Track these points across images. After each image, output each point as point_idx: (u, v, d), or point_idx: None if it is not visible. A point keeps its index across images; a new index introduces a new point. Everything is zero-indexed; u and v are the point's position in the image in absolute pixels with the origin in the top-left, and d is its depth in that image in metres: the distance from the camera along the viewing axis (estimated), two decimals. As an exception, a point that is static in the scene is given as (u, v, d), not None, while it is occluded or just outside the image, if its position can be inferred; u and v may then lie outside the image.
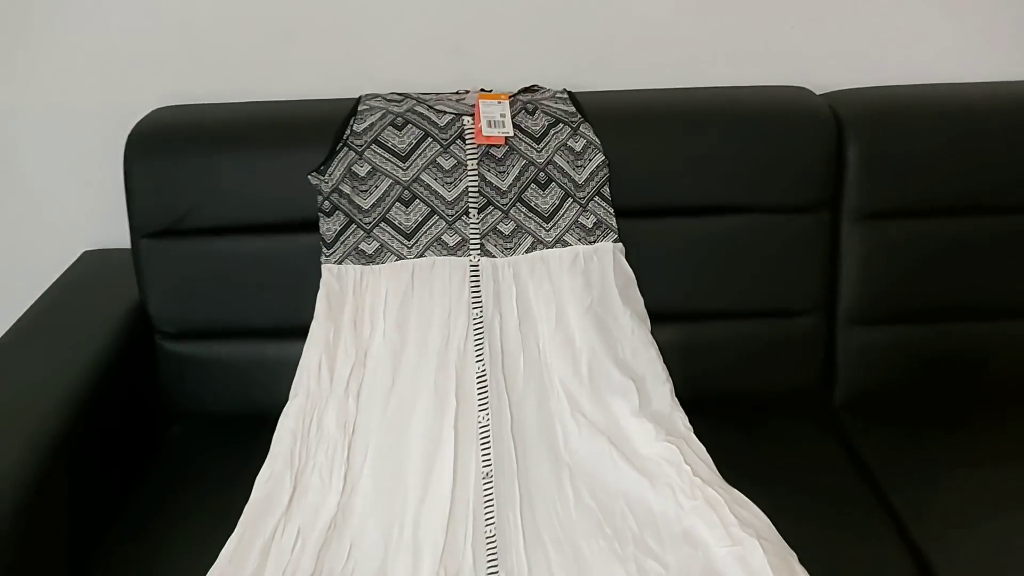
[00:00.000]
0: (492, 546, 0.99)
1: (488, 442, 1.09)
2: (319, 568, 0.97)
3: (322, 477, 1.08)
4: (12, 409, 1.04)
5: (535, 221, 1.21)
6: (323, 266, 1.19)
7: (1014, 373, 1.27)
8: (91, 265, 1.40)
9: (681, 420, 1.18)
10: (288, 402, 1.14)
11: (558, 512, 1.04)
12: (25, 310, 1.27)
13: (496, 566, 0.97)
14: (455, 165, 1.20)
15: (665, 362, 1.21)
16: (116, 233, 1.42)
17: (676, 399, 1.20)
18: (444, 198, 1.20)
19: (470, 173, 1.20)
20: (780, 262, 1.24)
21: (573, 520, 1.03)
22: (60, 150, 1.42)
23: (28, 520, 0.92)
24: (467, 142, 1.20)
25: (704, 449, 1.13)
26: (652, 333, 1.22)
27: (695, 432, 1.17)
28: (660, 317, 1.23)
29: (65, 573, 0.99)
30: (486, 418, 1.11)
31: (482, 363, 1.14)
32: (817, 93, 1.30)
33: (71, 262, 1.42)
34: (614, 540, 1.00)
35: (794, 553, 0.96)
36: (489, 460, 1.08)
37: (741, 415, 1.24)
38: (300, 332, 1.20)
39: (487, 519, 1.02)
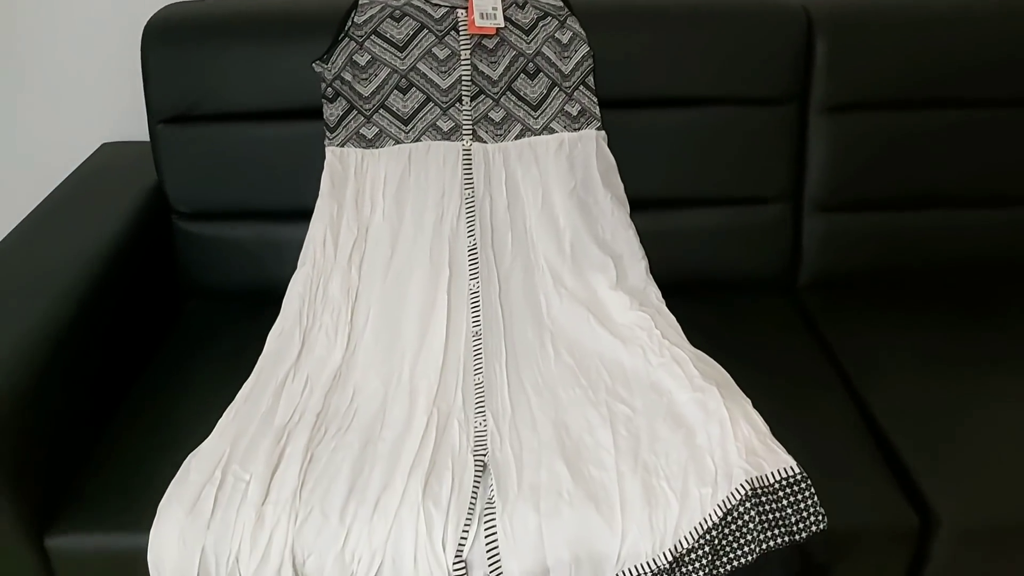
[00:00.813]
0: (480, 390, 1.11)
1: (478, 306, 1.21)
2: (325, 408, 1.09)
3: (328, 336, 1.20)
4: (41, 277, 1.13)
5: (524, 109, 1.30)
6: (327, 148, 1.29)
7: (965, 256, 1.38)
8: (109, 155, 1.49)
9: (655, 294, 1.29)
10: (296, 271, 1.25)
11: (539, 366, 1.16)
12: (47, 195, 1.38)
13: (483, 406, 1.09)
14: (449, 55, 1.29)
15: (642, 244, 1.32)
16: (133, 126, 1.53)
17: (651, 275, 1.31)
18: (439, 86, 1.29)
19: (463, 63, 1.28)
20: (751, 152, 1.34)
21: (553, 372, 1.15)
22: (79, 46, 1.50)
23: (61, 367, 1.04)
24: (461, 33, 1.28)
25: (674, 319, 1.24)
26: (631, 217, 1.32)
27: (667, 305, 1.29)
28: (638, 203, 1.33)
29: (95, 419, 1.12)
30: (476, 286, 1.22)
31: (473, 238, 1.25)
32: (794, -4, 1.37)
33: (90, 153, 1.52)
34: (588, 389, 1.12)
35: (748, 400, 1.08)
36: (478, 320, 1.19)
37: (711, 293, 1.35)
38: (305, 213, 1.31)
39: (476, 369, 1.14)
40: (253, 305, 1.29)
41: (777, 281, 1.40)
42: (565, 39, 1.29)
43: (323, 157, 1.30)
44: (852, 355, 1.22)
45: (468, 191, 1.27)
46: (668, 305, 1.28)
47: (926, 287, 1.37)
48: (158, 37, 1.29)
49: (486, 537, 0.94)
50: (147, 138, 1.39)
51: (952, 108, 1.33)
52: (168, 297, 1.38)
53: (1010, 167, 1.35)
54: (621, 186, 1.32)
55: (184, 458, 1.01)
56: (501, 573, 0.93)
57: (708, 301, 1.32)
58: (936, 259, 1.38)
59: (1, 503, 0.93)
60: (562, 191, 1.28)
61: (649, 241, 1.32)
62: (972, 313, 1.30)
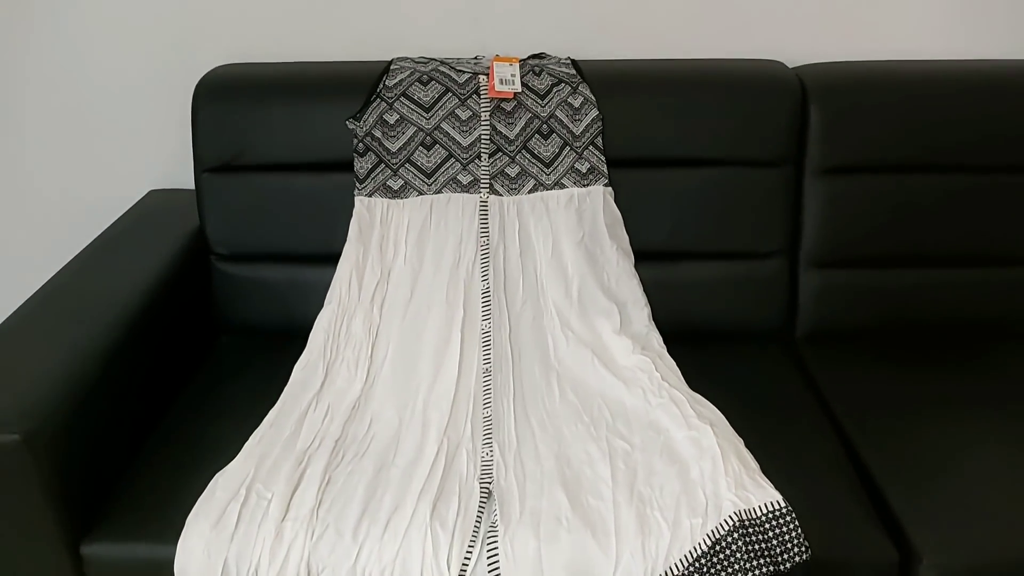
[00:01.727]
0: (488, 423, 1.19)
1: (489, 345, 1.29)
2: (344, 435, 1.18)
3: (349, 369, 1.28)
4: (91, 307, 1.23)
5: (537, 166, 1.41)
6: (356, 198, 1.40)
7: (953, 312, 1.44)
8: (156, 201, 1.62)
9: (656, 340, 1.37)
10: (323, 309, 1.35)
11: (545, 403, 1.24)
12: (94, 238, 1.49)
13: (491, 438, 1.16)
14: (471, 116, 1.40)
15: (645, 293, 1.40)
16: (179, 175, 1.65)
17: (653, 322, 1.39)
18: (460, 144, 1.40)
19: (483, 123, 1.40)
20: (750, 210, 1.42)
21: (557, 409, 1.23)
22: (132, 100, 1.64)
23: (105, 390, 1.13)
24: (482, 96, 1.40)
25: (674, 363, 1.32)
26: (635, 267, 1.41)
27: (668, 351, 1.36)
28: (642, 255, 1.42)
29: (133, 439, 1.21)
30: (488, 326, 1.31)
31: (487, 282, 1.34)
32: (790, 66, 1.47)
33: (138, 199, 1.64)
34: (591, 425, 1.19)
35: (741, 439, 1.14)
36: (489, 359, 1.28)
37: (710, 342, 1.42)
38: (332, 258, 1.41)
39: (485, 403, 1.22)
40: (281, 341, 1.38)
41: (774, 332, 1.47)
42: (577, 103, 1.40)
43: (352, 206, 1.41)
44: (843, 401, 1.28)
45: (484, 239, 1.37)
46: (669, 351, 1.35)
47: (916, 341, 1.43)
48: (208, 94, 1.42)
49: (488, 558, 1.00)
50: (191, 186, 1.52)
51: (941, 172, 1.41)
52: (204, 332, 1.48)
53: (996, 230, 1.42)
54: (626, 238, 1.41)
55: (212, 477, 1.09)
56: (501, 593, 0.99)
57: (707, 349, 1.39)
58: (926, 315, 1.44)
59: (44, 511, 1.01)
60: (571, 241, 1.38)
61: (652, 291, 1.41)
62: (959, 365, 1.35)
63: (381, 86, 1.42)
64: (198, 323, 1.46)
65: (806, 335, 1.46)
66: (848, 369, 1.36)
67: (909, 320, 1.44)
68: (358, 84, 1.42)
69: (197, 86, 1.44)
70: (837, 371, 1.35)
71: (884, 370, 1.35)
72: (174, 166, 1.66)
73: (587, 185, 1.40)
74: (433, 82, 1.41)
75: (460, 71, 1.42)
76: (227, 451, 1.13)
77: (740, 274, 1.44)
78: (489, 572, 1.00)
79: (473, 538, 1.02)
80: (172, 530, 1.02)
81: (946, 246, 1.43)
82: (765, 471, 1.07)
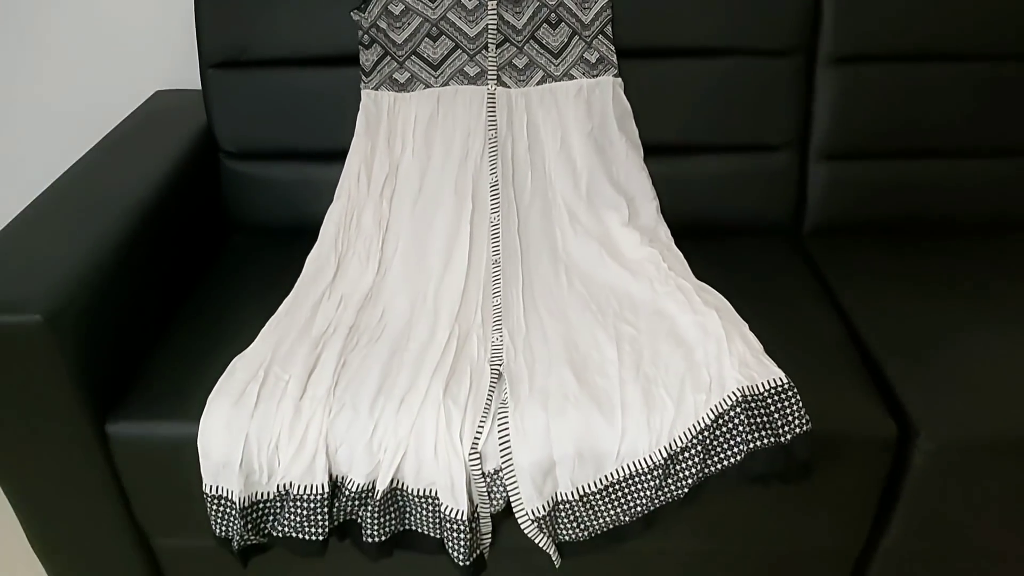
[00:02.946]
0: (497, 311, 1.21)
1: (497, 237, 1.31)
2: (357, 322, 1.20)
3: (360, 261, 1.31)
4: (105, 200, 1.24)
5: (546, 56, 1.39)
6: (362, 92, 1.40)
7: (963, 204, 1.44)
8: (162, 101, 1.61)
9: (664, 232, 1.38)
10: (332, 203, 1.37)
11: (553, 292, 1.26)
12: (102, 137, 1.49)
13: (500, 324, 1.19)
14: (477, 5, 1.37)
15: (654, 186, 1.40)
16: (184, 76, 1.64)
17: (661, 215, 1.40)
18: (467, 34, 1.38)
19: (490, 12, 1.37)
20: (760, 101, 1.41)
21: (565, 298, 1.25)
22: (135, 1, 1.62)
23: (124, 276, 1.16)
24: (488, -16, 1.38)
25: (682, 255, 1.33)
26: (644, 160, 1.41)
27: (676, 244, 1.37)
28: (651, 148, 1.42)
29: (153, 325, 1.24)
30: (497, 219, 1.32)
31: (495, 175, 1.35)
32: (805, -47, 1.44)
33: (145, 99, 1.64)
34: (598, 313, 1.21)
35: (745, 323, 1.16)
36: (498, 250, 1.29)
37: (718, 235, 1.43)
38: (340, 154, 1.42)
39: (495, 292, 1.24)
40: (291, 236, 1.40)
41: (782, 226, 1.47)
42: (586, -9, 1.38)
43: (358, 100, 1.40)
44: (847, 288, 1.30)
45: (492, 132, 1.36)
46: (677, 244, 1.36)
47: (924, 232, 1.43)
48: (211, -12, 1.40)
49: (499, 432, 1.04)
50: (196, 87, 1.51)
51: (955, 62, 1.38)
52: (216, 229, 1.49)
53: (1010, 120, 1.40)
54: (636, 131, 1.40)
55: (231, 360, 1.12)
56: (512, 464, 1.03)
57: (715, 242, 1.40)
58: (935, 207, 1.44)
59: (69, 390, 1.05)
60: (580, 134, 1.37)
61: (661, 184, 1.41)
62: (965, 255, 1.36)
63: (386, -24, 1.39)
64: (210, 220, 1.48)
65: (814, 228, 1.47)
66: (854, 259, 1.37)
67: (918, 212, 1.44)
68: (362, -26, 1.40)
69: (199, -21, 1.41)
70: (843, 261, 1.36)
71: (890, 261, 1.36)
72: (180, 66, 1.64)
73: (596, 76, 1.39)
74: (438, -30, 1.39)
75: (466, -41, 1.39)
76: (244, 337, 1.17)
77: (749, 167, 1.44)
78: (500, 445, 1.04)
79: (484, 414, 1.05)
80: (194, 409, 1.06)
81: (958, 137, 1.42)
82: (769, 352, 1.09)
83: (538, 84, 1.39)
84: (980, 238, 1.42)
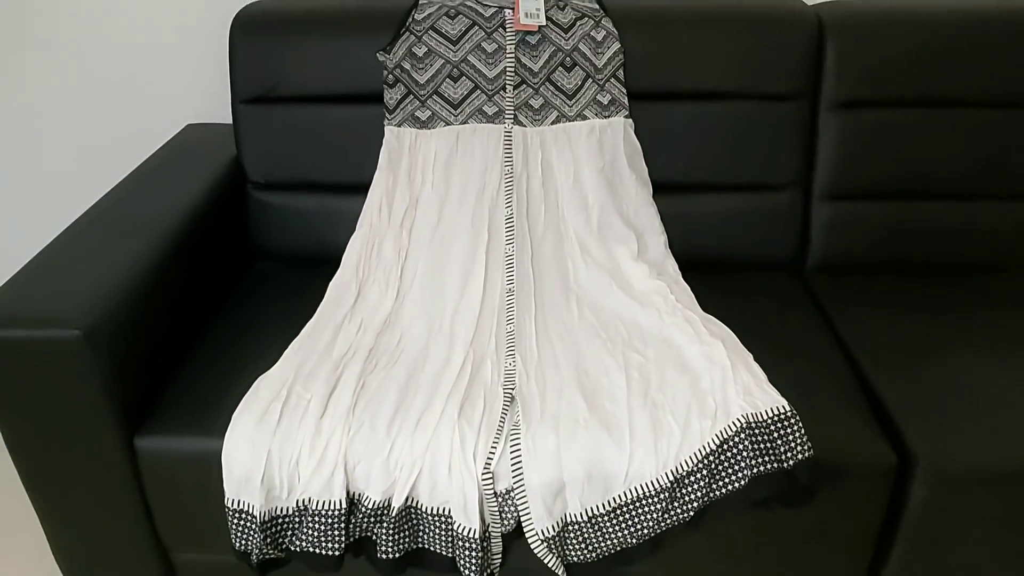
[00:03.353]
0: (511, 337, 1.26)
1: (512, 267, 1.36)
2: (376, 346, 1.25)
3: (380, 288, 1.36)
4: (138, 225, 1.30)
5: (560, 98, 1.46)
6: (385, 128, 1.47)
7: (961, 244, 1.49)
8: (193, 133, 1.68)
9: (672, 266, 1.43)
10: (355, 232, 1.43)
11: (564, 321, 1.31)
12: (137, 166, 1.56)
13: (513, 350, 1.24)
14: (496, 49, 1.45)
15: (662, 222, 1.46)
16: (214, 110, 1.72)
17: (669, 250, 1.45)
18: (486, 76, 1.45)
19: (508, 56, 1.45)
20: (765, 143, 1.47)
21: (576, 327, 1.30)
22: (170, 38, 1.70)
23: (155, 299, 1.21)
24: (507, 30, 1.45)
25: (688, 288, 1.38)
26: (653, 197, 1.47)
27: (683, 278, 1.42)
28: (660, 186, 1.48)
29: (180, 346, 1.29)
30: (511, 250, 1.38)
31: (510, 209, 1.41)
32: (808, 3, 1.51)
33: (176, 132, 1.71)
34: (607, 341, 1.26)
35: (750, 354, 1.21)
36: (512, 279, 1.35)
37: (725, 270, 1.48)
38: (362, 187, 1.49)
39: (508, 320, 1.29)
40: (314, 264, 1.46)
41: (786, 263, 1.52)
42: (599, 37, 1.45)
43: (382, 136, 1.47)
44: (849, 323, 1.34)
45: (508, 168, 1.43)
46: (684, 278, 1.41)
47: (923, 270, 1.48)
48: (245, 29, 1.48)
49: (511, 454, 1.08)
50: (226, 120, 1.59)
51: (952, 107, 1.44)
52: (241, 257, 1.56)
53: (1007, 165, 1.46)
54: (645, 169, 1.47)
55: (255, 379, 1.17)
56: (523, 484, 1.07)
57: (721, 277, 1.46)
58: (935, 248, 1.49)
59: (102, 404, 1.10)
60: (591, 171, 1.43)
61: (669, 221, 1.47)
62: (965, 294, 1.41)
63: (410, 20, 1.47)
64: (237, 247, 1.54)
65: (817, 266, 1.52)
66: (856, 296, 1.41)
67: (918, 252, 1.49)
68: (388, 18, 1.47)
69: (234, 21, 1.49)
70: (846, 298, 1.41)
71: (892, 298, 1.41)
72: (210, 101, 1.73)
73: (608, 117, 1.45)
74: (460, 16, 1.46)
75: (486, 5, 1.47)
76: (267, 358, 1.22)
77: (754, 206, 1.49)
78: (512, 466, 1.08)
79: (497, 435, 1.09)
80: (219, 425, 1.11)
81: (956, 180, 1.47)
82: (772, 381, 1.13)
83: (553, 124, 1.46)
84: (978, 276, 1.47)
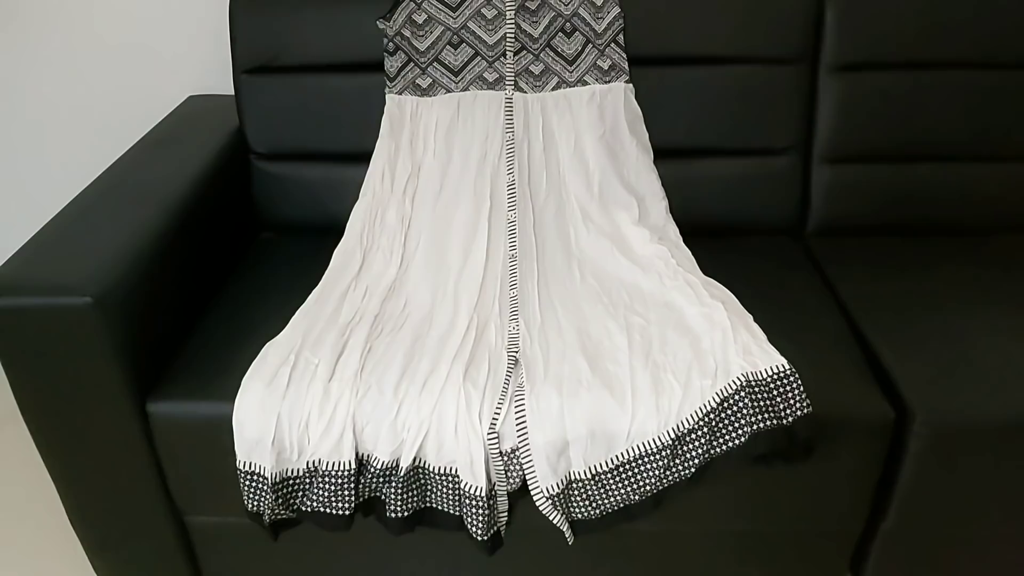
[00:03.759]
0: (514, 302, 1.28)
1: (514, 233, 1.38)
2: (382, 312, 1.27)
3: (384, 256, 1.38)
4: (144, 194, 1.31)
5: (561, 63, 1.46)
6: (387, 96, 1.47)
7: (958, 207, 1.50)
8: (196, 105, 1.69)
9: (673, 231, 1.44)
10: (358, 201, 1.44)
11: (567, 286, 1.33)
12: (140, 138, 1.57)
13: (517, 314, 1.26)
14: (496, 15, 1.45)
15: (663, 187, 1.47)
16: (216, 81, 1.73)
17: (670, 215, 1.46)
18: (486, 42, 1.46)
19: (508, 22, 1.45)
20: (765, 107, 1.47)
21: (578, 291, 1.31)
22: (170, 7, 1.70)
23: (163, 266, 1.23)
24: (507, -5, 1.45)
25: (689, 252, 1.40)
26: (654, 163, 1.47)
27: (684, 243, 1.43)
28: (661, 151, 1.49)
29: (190, 312, 1.31)
30: (513, 216, 1.39)
31: (512, 175, 1.42)
32: (809, -34, 1.51)
33: (178, 103, 1.72)
34: (609, 305, 1.28)
35: (750, 315, 1.22)
36: (514, 245, 1.36)
37: (725, 234, 1.50)
38: (365, 156, 1.50)
39: (511, 285, 1.31)
40: (318, 233, 1.48)
41: (786, 226, 1.53)
42: (599, 2, 1.44)
43: (383, 104, 1.48)
44: (847, 284, 1.36)
45: (509, 135, 1.44)
46: (685, 242, 1.43)
47: (922, 231, 1.50)
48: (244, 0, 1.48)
49: (516, 414, 1.10)
50: (227, 92, 1.59)
51: (952, 69, 1.45)
52: (246, 228, 1.57)
53: (1006, 126, 1.47)
54: (646, 134, 1.47)
55: (263, 345, 1.19)
56: (528, 443, 1.09)
57: (721, 241, 1.47)
58: (933, 207, 1.50)
59: (114, 370, 1.12)
60: (592, 137, 1.44)
61: (670, 186, 1.48)
62: (961, 252, 1.43)
63: (410, -13, 1.47)
64: (241, 217, 1.55)
65: (817, 229, 1.53)
66: (855, 258, 1.43)
67: (917, 215, 1.51)
68: (388, -15, 1.48)
69: (234, -11, 1.50)
70: (844, 260, 1.43)
71: (890, 259, 1.42)
72: (211, 72, 1.73)
73: (608, 82, 1.46)
74: (460, -18, 1.46)
75: (486, -29, 1.47)
76: (275, 325, 1.24)
77: (755, 170, 1.50)
78: (517, 426, 1.10)
79: (502, 396, 1.12)
80: (229, 390, 1.13)
81: (955, 142, 1.48)
82: (772, 341, 1.15)
83: (553, 90, 1.47)
84: (975, 237, 1.48)
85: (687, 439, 1.10)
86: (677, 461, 1.11)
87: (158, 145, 1.50)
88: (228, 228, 1.49)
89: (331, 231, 1.45)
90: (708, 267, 1.35)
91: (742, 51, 1.45)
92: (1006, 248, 1.45)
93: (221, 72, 1.64)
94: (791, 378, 1.10)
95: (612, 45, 1.45)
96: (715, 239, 1.46)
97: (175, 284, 1.27)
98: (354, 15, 1.47)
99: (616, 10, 1.44)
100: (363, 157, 1.49)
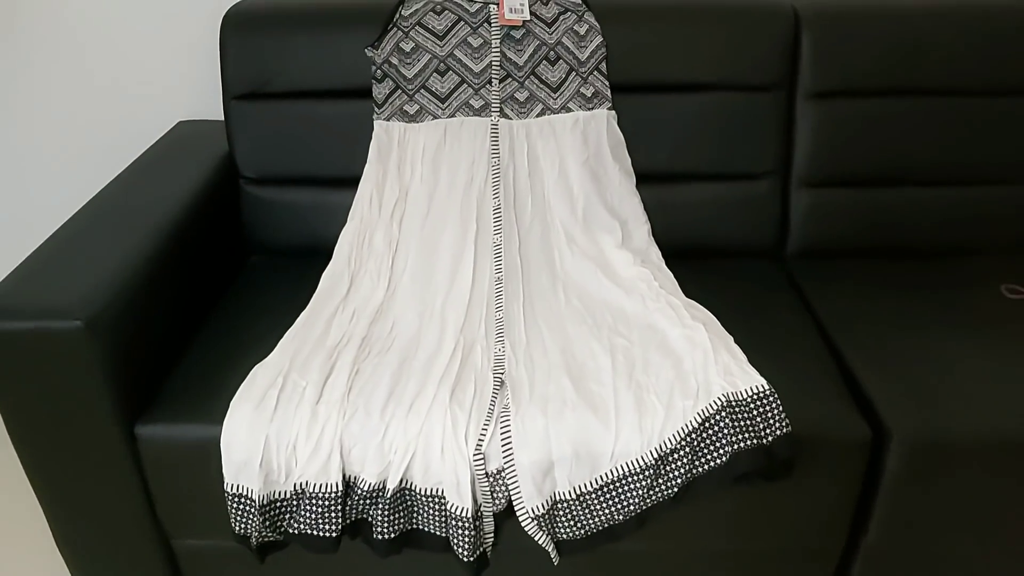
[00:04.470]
0: (500, 324, 1.30)
1: (500, 256, 1.40)
2: (369, 334, 1.29)
3: (372, 279, 1.40)
4: (134, 219, 1.32)
5: (545, 91, 1.50)
6: (375, 122, 1.50)
7: (932, 229, 1.54)
8: (185, 130, 1.71)
9: (655, 254, 1.48)
10: (346, 225, 1.46)
11: (551, 307, 1.35)
12: (131, 162, 1.59)
13: (502, 336, 1.28)
14: (482, 44, 1.49)
15: (645, 211, 1.50)
16: (205, 107, 1.75)
17: (652, 238, 1.49)
18: (472, 70, 1.49)
19: (494, 50, 1.49)
20: (744, 132, 1.51)
21: (563, 312, 1.34)
22: (160, 34, 1.72)
23: (152, 291, 1.24)
24: (492, 25, 1.48)
25: (672, 275, 1.43)
26: (636, 187, 1.51)
27: (666, 266, 1.46)
28: (643, 176, 1.52)
29: (178, 336, 1.32)
30: (499, 239, 1.42)
31: (497, 199, 1.45)
32: (785, -3, 1.56)
33: (168, 128, 1.74)
34: (594, 326, 1.30)
35: (731, 336, 1.25)
36: (500, 268, 1.39)
37: (706, 257, 1.53)
38: (353, 181, 1.52)
39: (497, 307, 1.33)
40: (307, 256, 1.50)
41: (766, 249, 1.57)
42: (582, 31, 1.48)
43: (371, 130, 1.50)
44: (826, 305, 1.39)
45: (495, 160, 1.47)
46: (667, 265, 1.46)
47: (898, 254, 1.54)
48: (235, 26, 1.51)
49: (501, 435, 1.12)
50: (217, 117, 1.62)
51: (924, 96, 1.49)
52: (236, 251, 1.59)
53: (975, 151, 1.51)
54: (628, 160, 1.51)
55: (252, 368, 1.20)
56: (513, 464, 1.11)
57: (703, 263, 1.50)
58: (908, 230, 1.54)
59: (104, 395, 1.13)
60: (576, 162, 1.47)
61: (652, 210, 1.51)
62: (935, 273, 1.47)
63: (397, 16, 1.50)
64: (230, 241, 1.57)
65: (796, 251, 1.57)
66: (834, 280, 1.46)
67: (894, 237, 1.55)
68: (376, 14, 1.50)
69: (224, 19, 1.52)
70: (824, 282, 1.46)
71: (868, 281, 1.46)
72: (201, 98, 1.75)
73: (591, 109, 1.49)
74: (446, 11, 1.49)
75: (472, 1, 1.50)
76: (263, 347, 1.25)
77: (735, 194, 1.54)
78: (502, 446, 1.11)
79: (488, 418, 1.13)
80: (217, 412, 1.14)
81: (929, 166, 1.52)
82: (752, 362, 1.18)
83: (538, 116, 1.50)
84: (950, 259, 1.52)
85: (670, 459, 1.12)
86: (660, 481, 1.12)
87: (148, 169, 1.52)
88: (217, 251, 1.51)
89: (319, 254, 1.47)
90: (690, 289, 1.38)
91: (721, 79, 1.49)
92: (982, 269, 1.48)
93: (211, 98, 1.67)
94: (771, 398, 1.12)
95: (595, 73, 1.49)
96: (697, 261, 1.49)
97: (165, 307, 1.29)
98: (343, 43, 1.50)
99: (599, 39, 1.48)
100: (351, 181, 1.52)
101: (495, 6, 1.49)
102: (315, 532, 1.14)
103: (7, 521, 1.60)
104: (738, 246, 1.56)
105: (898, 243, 1.54)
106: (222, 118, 1.59)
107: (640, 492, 1.12)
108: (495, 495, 1.13)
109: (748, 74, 1.49)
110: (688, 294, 1.37)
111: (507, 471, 1.11)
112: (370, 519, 1.15)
